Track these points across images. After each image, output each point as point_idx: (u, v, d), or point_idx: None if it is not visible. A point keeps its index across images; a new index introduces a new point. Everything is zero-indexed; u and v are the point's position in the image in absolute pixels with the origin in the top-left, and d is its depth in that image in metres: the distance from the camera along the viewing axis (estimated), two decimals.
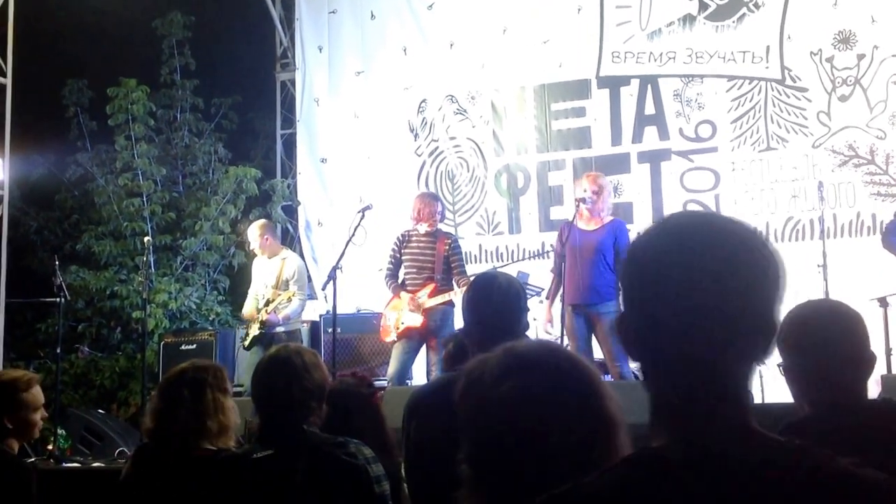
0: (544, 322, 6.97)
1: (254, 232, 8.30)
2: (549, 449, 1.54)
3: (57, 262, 8.22)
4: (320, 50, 10.57)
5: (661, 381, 1.34)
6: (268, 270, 8.22)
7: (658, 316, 1.33)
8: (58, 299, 8.67)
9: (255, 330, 8.05)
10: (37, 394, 3.71)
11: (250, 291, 8.40)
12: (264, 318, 7.97)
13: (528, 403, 1.58)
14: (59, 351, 8.47)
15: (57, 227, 12.04)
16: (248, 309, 8.32)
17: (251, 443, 3.31)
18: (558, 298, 6.87)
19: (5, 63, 8.46)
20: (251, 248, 8.41)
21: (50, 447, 7.48)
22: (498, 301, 3.08)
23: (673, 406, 1.31)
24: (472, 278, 7.57)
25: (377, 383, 8.04)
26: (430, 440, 3.03)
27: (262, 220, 8.74)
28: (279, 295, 8.00)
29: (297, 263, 8.35)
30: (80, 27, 11.28)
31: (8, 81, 8.47)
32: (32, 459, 6.22)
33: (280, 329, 8.03)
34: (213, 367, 3.66)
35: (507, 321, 3.05)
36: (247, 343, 8.16)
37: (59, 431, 7.95)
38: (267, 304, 8.04)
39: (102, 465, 6.98)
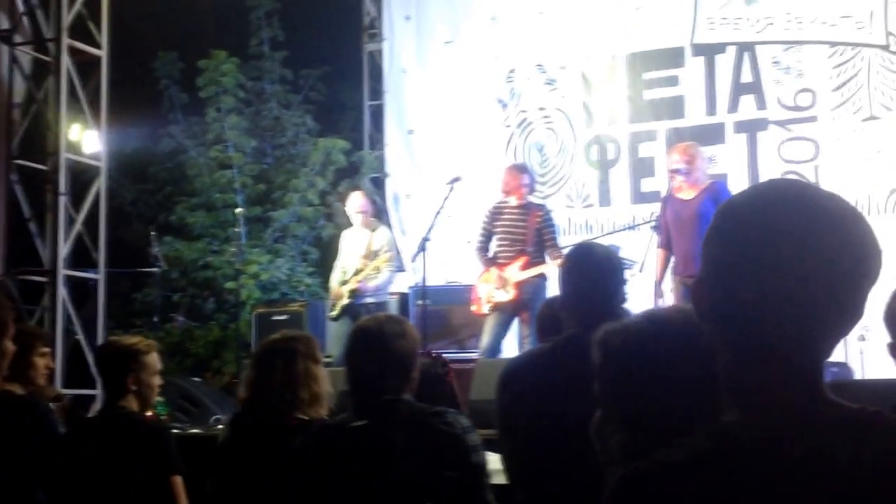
0: (655, 301, 6.81)
1: (356, 201, 8.38)
2: (687, 409, 1.53)
3: (153, 233, 8.43)
4: (408, 20, 10.51)
5: (737, 354, 1.28)
6: (358, 241, 8.27)
7: (743, 284, 1.27)
8: (154, 269, 8.92)
9: (343, 300, 8.12)
10: (156, 358, 3.88)
11: (337, 263, 8.47)
12: (354, 287, 8.04)
13: (673, 367, 1.57)
14: (155, 320, 8.70)
15: (151, 199, 12.32)
16: (334, 281, 8.40)
17: (344, 413, 3.27)
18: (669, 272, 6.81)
19: (101, 36, 8.63)
20: (352, 215, 8.44)
21: (149, 413, 7.69)
22: (595, 272, 3.07)
23: (747, 382, 1.27)
24: (564, 250, 7.65)
25: (465, 356, 8.17)
26: (524, 411, 3.03)
27: (362, 191, 8.85)
28: (368, 265, 8.06)
29: (388, 235, 8.42)
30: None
31: (104, 54, 8.65)
32: None
33: (369, 300, 8.09)
34: (304, 337, 3.69)
35: (604, 293, 3.04)
36: (335, 314, 8.24)
37: (158, 398, 8.17)
38: (356, 273, 8.11)
39: (200, 431, 7.16)
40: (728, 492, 1.20)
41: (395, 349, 3.10)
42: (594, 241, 3.22)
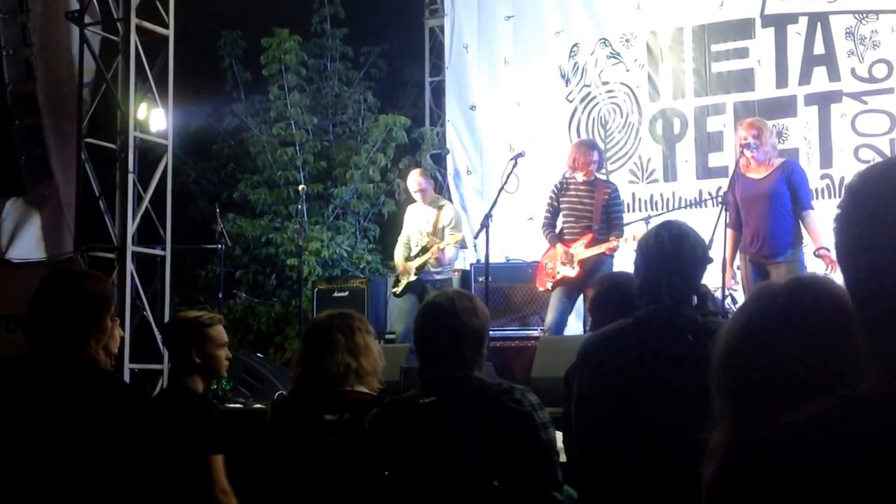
0: (727, 282, 6.64)
1: (413, 179, 8.36)
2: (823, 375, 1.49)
3: (218, 210, 8.48)
4: None
5: (877, 320, 1.24)
6: (423, 218, 8.26)
7: (878, 254, 1.23)
8: (218, 246, 8.98)
9: (410, 276, 8.11)
10: (221, 331, 3.87)
11: (401, 238, 8.45)
12: (421, 263, 8.04)
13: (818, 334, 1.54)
14: (220, 296, 8.77)
15: (214, 177, 12.40)
16: (399, 256, 8.38)
17: (412, 389, 3.29)
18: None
19: (168, 16, 8.67)
20: (412, 194, 8.43)
21: (214, 388, 7.76)
22: (678, 252, 3.01)
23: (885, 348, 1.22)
24: (630, 227, 7.56)
25: (526, 333, 8.12)
26: (603, 387, 3.02)
27: (420, 168, 8.81)
28: (436, 241, 8.02)
29: (455, 211, 8.41)
30: None
31: (171, 33, 8.70)
32: None
33: (435, 276, 8.09)
34: (350, 314, 3.73)
35: (686, 274, 3.00)
36: (399, 290, 8.22)
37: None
38: (423, 251, 8.08)
39: (263, 406, 7.23)
40: (851, 456, 1.16)
41: (467, 325, 3.09)
42: (678, 220, 3.14)
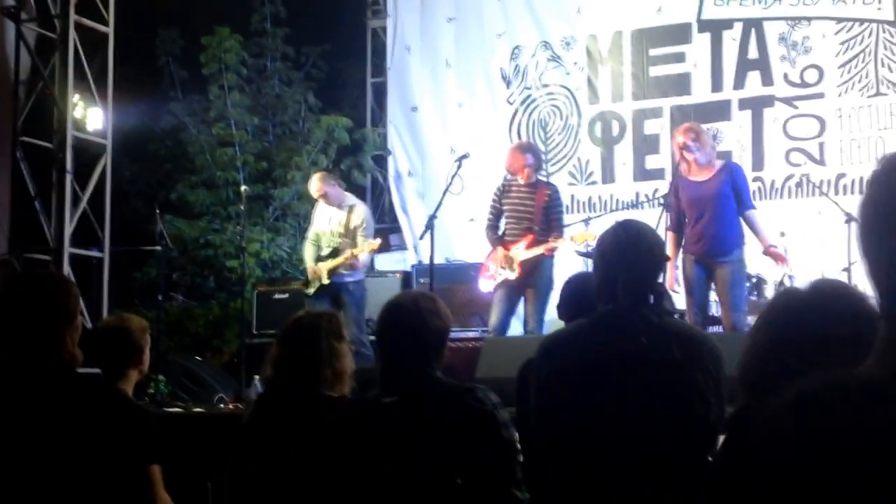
0: (670, 282, 6.80)
1: (314, 185, 8.39)
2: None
3: (158, 212, 8.65)
4: None
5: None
6: (333, 218, 8.30)
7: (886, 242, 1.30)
8: (157, 248, 9.12)
9: (323, 279, 8.16)
10: (147, 335, 4.05)
11: (309, 235, 8.52)
12: (333, 267, 8.11)
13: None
14: (160, 298, 8.91)
15: (151, 177, 12.48)
16: (308, 257, 8.43)
17: (368, 390, 3.36)
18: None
19: (107, 13, 8.80)
20: (314, 197, 8.47)
21: (151, 391, 7.90)
22: (633, 252, 3.02)
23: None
24: (569, 229, 7.84)
25: (467, 334, 8.37)
26: (560, 387, 3.06)
27: (321, 172, 8.83)
28: (348, 245, 8.11)
29: (366, 212, 8.45)
30: None
31: (110, 31, 8.83)
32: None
33: (348, 279, 8.16)
34: (327, 314, 3.77)
35: (643, 273, 3.03)
36: (312, 291, 8.27)
37: (159, 377, 8.36)
38: (334, 252, 8.16)
39: (203, 410, 7.33)
40: (826, 433, 1.22)
41: (430, 326, 3.18)
42: (635, 220, 3.27)
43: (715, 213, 6.73)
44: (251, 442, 3.65)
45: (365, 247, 8.05)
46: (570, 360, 3.06)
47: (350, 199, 8.55)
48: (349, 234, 8.18)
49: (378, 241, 8.30)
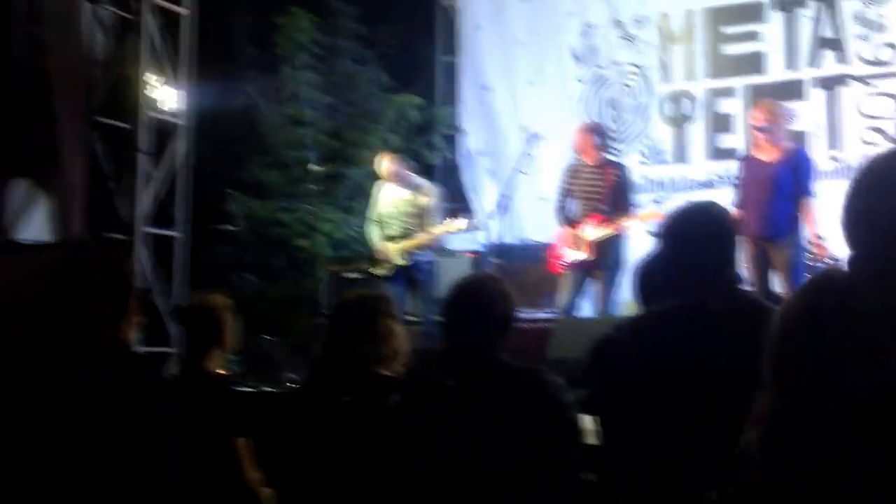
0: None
1: (383, 166, 8.46)
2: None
3: (230, 192, 8.90)
4: None
5: None
6: (402, 199, 8.36)
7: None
8: (229, 227, 9.41)
9: (396, 260, 8.23)
10: (231, 314, 4.19)
11: (371, 217, 8.57)
12: (407, 248, 8.18)
13: None
14: (231, 278, 9.17)
15: (223, 157, 12.76)
16: (376, 236, 8.46)
17: (434, 372, 3.40)
18: None
19: None
20: (384, 179, 8.53)
21: (223, 372, 8.15)
22: (704, 237, 2.95)
23: None
24: (641, 209, 7.91)
25: (538, 315, 8.49)
26: (624, 387, 2.99)
27: (390, 153, 8.93)
28: (420, 226, 8.20)
29: (435, 193, 8.53)
30: None
31: (187, 11, 9.08)
32: None
33: (422, 259, 8.27)
34: (381, 295, 3.89)
35: (714, 260, 2.94)
36: (381, 272, 8.35)
37: (231, 357, 8.62)
38: (405, 234, 8.24)
39: (272, 389, 7.44)
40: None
41: (496, 308, 3.25)
42: (708, 200, 3.24)
43: (770, 195, 6.82)
44: (302, 420, 3.68)
45: (451, 227, 8.17)
46: (631, 360, 2.98)
47: (418, 179, 8.67)
48: (419, 216, 8.28)
49: (465, 221, 8.34)
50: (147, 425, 2.91)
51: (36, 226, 8.86)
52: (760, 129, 6.98)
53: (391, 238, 8.35)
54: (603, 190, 7.65)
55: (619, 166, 7.96)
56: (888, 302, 1.60)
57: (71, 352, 2.98)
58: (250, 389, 7.52)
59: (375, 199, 8.65)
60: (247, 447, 3.89)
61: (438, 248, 8.58)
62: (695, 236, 2.94)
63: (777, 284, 6.96)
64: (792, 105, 8.77)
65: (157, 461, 2.94)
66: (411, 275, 8.25)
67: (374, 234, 8.53)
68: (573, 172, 7.84)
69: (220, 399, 4.00)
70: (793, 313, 1.68)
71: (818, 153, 8.46)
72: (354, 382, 3.59)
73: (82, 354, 2.97)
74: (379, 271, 8.39)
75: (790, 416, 1.54)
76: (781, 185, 6.83)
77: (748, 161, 7.07)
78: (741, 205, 6.98)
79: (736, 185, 7.19)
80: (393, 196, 8.45)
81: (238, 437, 3.88)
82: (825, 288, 1.71)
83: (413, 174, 8.72)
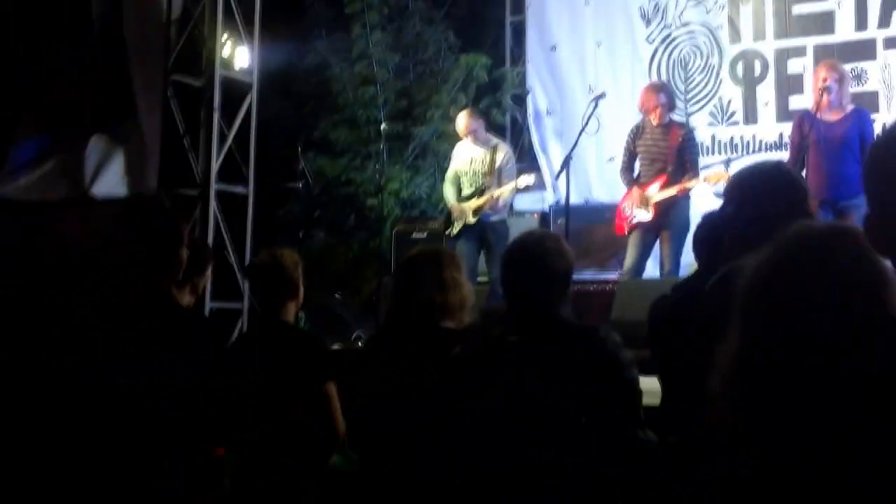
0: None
1: (462, 121, 8.58)
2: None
3: (300, 150, 9.09)
4: None
5: None
6: (476, 157, 8.48)
7: None
8: (299, 185, 9.62)
9: (469, 219, 8.36)
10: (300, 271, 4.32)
11: (448, 175, 8.72)
12: (479, 205, 8.32)
13: None
14: (300, 235, 9.38)
15: (294, 115, 12.97)
16: (450, 196, 8.61)
17: (495, 328, 3.48)
18: None
19: None
20: (462, 135, 8.66)
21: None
22: (770, 195, 2.90)
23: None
24: (709, 170, 7.95)
25: (605, 276, 8.59)
26: (677, 352, 3.07)
27: (469, 109, 9.05)
28: (493, 184, 8.31)
29: (509, 151, 8.64)
30: None
31: None
32: None
33: (493, 218, 8.37)
34: (444, 248, 4.10)
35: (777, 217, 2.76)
36: (454, 231, 8.48)
37: (300, 314, 8.83)
38: (478, 192, 8.38)
39: (341, 346, 7.74)
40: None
41: (554, 267, 3.34)
42: (775, 161, 3.27)
43: (842, 156, 6.86)
44: (372, 371, 3.83)
45: (507, 188, 8.27)
46: (682, 325, 3.00)
47: (494, 138, 8.79)
48: (493, 174, 8.37)
49: (531, 177, 8.44)
50: (154, 417, 2.99)
51: (112, 181, 9.10)
52: (825, 89, 7.01)
53: (465, 197, 8.48)
54: (668, 150, 7.71)
55: (684, 126, 8.03)
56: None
57: (113, 306, 3.11)
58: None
59: (452, 158, 8.79)
60: (334, 390, 4.03)
61: (508, 208, 8.66)
62: (764, 196, 2.88)
63: None
64: (862, 65, 8.78)
65: (159, 457, 3.03)
66: (483, 234, 8.37)
67: (449, 193, 8.66)
68: (639, 132, 7.91)
69: (309, 347, 4.15)
70: (765, 266, 1.70)
71: (889, 114, 8.45)
72: (419, 333, 3.68)
73: (124, 310, 3.10)
74: (450, 230, 8.51)
75: (748, 361, 1.61)
76: (851, 146, 6.86)
77: (810, 120, 7.09)
78: (803, 164, 7.01)
79: (794, 141, 7.21)
80: (469, 154, 8.57)
81: (330, 381, 4.03)
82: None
83: (490, 132, 8.83)
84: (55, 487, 2.99)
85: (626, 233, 7.88)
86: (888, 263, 1.58)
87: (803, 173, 6.94)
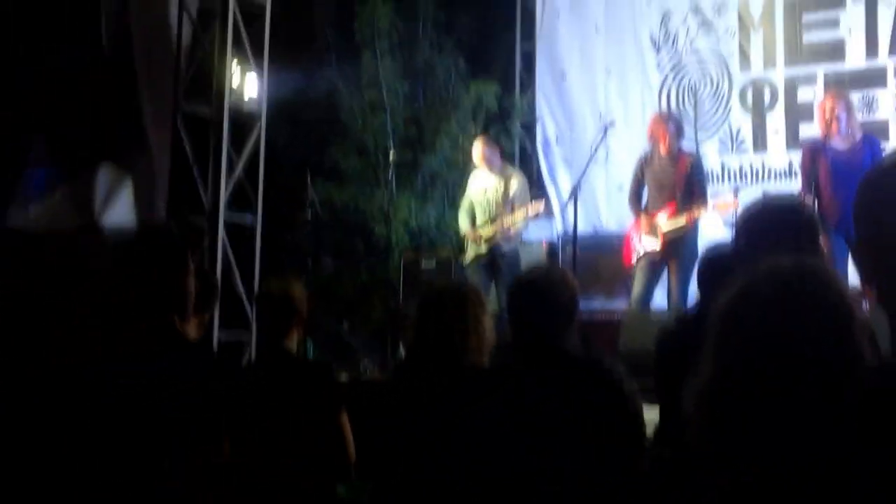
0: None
1: (478, 149, 8.69)
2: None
3: (309, 177, 9.14)
4: None
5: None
6: (490, 186, 8.59)
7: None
8: (308, 212, 9.66)
9: (481, 248, 8.49)
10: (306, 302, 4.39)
11: (463, 204, 8.82)
12: (492, 234, 8.42)
13: None
14: (309, 263, 9.43)
15: (303, 142, 13.04)
16: (465, 223, 8.71)
17: (502, 359, 3.64)
18: None
19: None
20: (477, 163, 8.74)
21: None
22: (780, 229, 2.91)
23: None
24: (716, 199, 7.95)
25: (613, 305, 8.59)
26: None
27: (483, 136, 9.16)
28: (506, 212, 8.39)
29: (523, 181, 8.73)
30: None
31: (268, 1, 9.36)
32: None
33: (504, 248, 8.47)
34: (472, 287, 4.06)
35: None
36: (467, 260, 8.62)
37: (307, 342, 8.85)
38: (492, 220, 8.48)
39: (348, 375, 7.72)
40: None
41: (559, 300, 3.45)
42: (788, 195, 3.39)
43: (853, 184, 6.84)
44: (395, 407, 3.88)
45: (519, 215, 8.35)
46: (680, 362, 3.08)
47: (509, 167, 8.88)
48: (507, 202, 8.47)
49: (541, 204, 8.54)
50: (151, 423, 2.97)
51: (122, 210, 9.12)
52: (833, 119, 7.09)
53: (479, 225, 8.58)
54: (676, 179, 7.77)
55: (692, 155, 8.05)
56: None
57: (120, 340, 3.10)
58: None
59: (466, 186, 8.88)
60: (346, 418, 4.09)
61: (518, 237, 8.73)
62: (775, 231, 2.88)
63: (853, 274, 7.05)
64: (873, 93, 8.83)
65: (158, 460, 3.01)
66: (494, 263, 8.45)
67: (463, 221, 8.77)
68: (647, 161, 7.97)
69: (320, 376, 4.23)
70: (737, 298, 1.81)
71: None
72: (445, 373, 3.71)
73: (130, 341, 3.08)
74: (464, 259, 8.62)
75: (719, 389, 1.73)
76: (862, 174, 6.87)
77: (821, 148, 7.17)
78: (814, 193, 7.11)
79: (805, 171, 7.27)
80: (483, 183, 8.67)
81: (342, 410, 4.09)
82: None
83: (505, 160, 8.93)
84: (55, 488, 3.01)
85: (634, 262, 7.91)
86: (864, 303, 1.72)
87: (815, 202, 7.06)
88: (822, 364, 1.65)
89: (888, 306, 1.65)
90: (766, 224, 2.93)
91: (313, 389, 4.10)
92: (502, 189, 8.52)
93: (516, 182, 8.59)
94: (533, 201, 8.57)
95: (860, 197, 1.82)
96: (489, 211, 8.57)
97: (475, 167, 8.85)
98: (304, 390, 4.09)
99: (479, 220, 8.61)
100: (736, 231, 3.14)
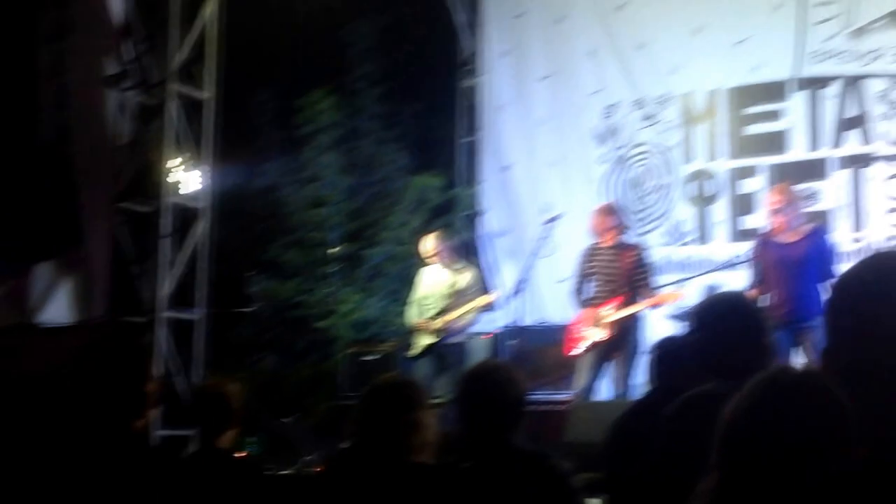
0: None
1: (427, 244, 8.73)
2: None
3: (253, 273, 9.10)
4: (505, 55, 11.08)
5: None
6: (440, 280, 8.64)
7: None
8: (249, 309, 9.60)
9: (426, 339, 8.52)
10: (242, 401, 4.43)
11: (413, 298, 8.86)
12: (440, 327, 8.45)
13: None
14: (252, 359, 9.34)
15: (245, 237, 13.00)
16: (413, 317, 8.75)
17: (448, 454, 3.57)
18: None
19: (207, 79, 9.34)
20: (427, 259, 8.77)
21: (242, 454, 8.29)
22: (738, 324, 3.13)
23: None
24: (661, 290, 8.01)
25: (558, 397, 8.59)
26: (637, 474, 3.25)
27: (437, 232, 9.19)
28: (455, 305, 8.44)
29: (475, 275, 8.78)
30: (269, 37, 12.19)
31: (210, 97, 9.36)
32: None
33: (453, 340, 8.50)
34: (415, 384, 3.93)
35: (745, 347, 3.08)
36: (415, 352, 8.60)
37: (251, 439, 8.74)
38: (440, 313, 8.51)
39: (291, 472, 7.60)
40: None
41: (506, 395, 3.47)
42: (735, 291, 3.57)
43: (798, 277, 6.98)
44: (328, 498, 3.77)
45: (477, 304, 8.40)
46: (645, 446, 3.12)
47: (459, 262, 8.91)
48: (458, 296, 8.52)
49: (490, 297, 8.59)
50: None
51: (59, 308, 9.00)
52: (778, 212, 7.20)
53: (428, 319, 8.58)
54: (621, 271, 7.82)
55: (636, 247, 8.11)
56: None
57: (83, 438, 3.10)
58: (268, 473, 7.67)
59: (417, 282, 8.89)
60: None
61: (469, 329, 8.75)
62: (726, 325, 3.14)
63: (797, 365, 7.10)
64: (815, 185, 8.98)
65: None
66: (441, 356, 8.46)
67: (413, 316, 8.77)
68: (591, 254, 8.01)
69: (245, 479, 4.20)
70: (743, 404, 1.88)
71: (841, 233, 8.62)
72: (385, 470, 3.62)
73: (95, 442, 3.10)
74: (410, 351, 8.63)
75: (727, 496, 1.79)
76: (807, 268, 6.98)
77: (768, 242, 7.26)
78: (761, 286, 7.17)
79: (753, 265, 7.36)
80: (433, 278, 8.71)
81: None
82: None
83: (455, 254, 8.97)
84: None
85: (577, 353, 7.91)
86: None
87: (762, 294, 7.11)
88: (830, 472, 1.75)
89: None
90: (717, 319, 3.17)
91: (241, 488, 4.09)
92: (454, 283, 8.56)
93: (468, 275, 8.65)
94: (486, 294, 8.61)
95: (838, 293, 1.88)
96: (438, 305, 8.59)
97: (426, 262, 8.86)
98: (232, 488, 4.07)
99: (427, 314, 8.62)
100: (690, 325, 3.30)
